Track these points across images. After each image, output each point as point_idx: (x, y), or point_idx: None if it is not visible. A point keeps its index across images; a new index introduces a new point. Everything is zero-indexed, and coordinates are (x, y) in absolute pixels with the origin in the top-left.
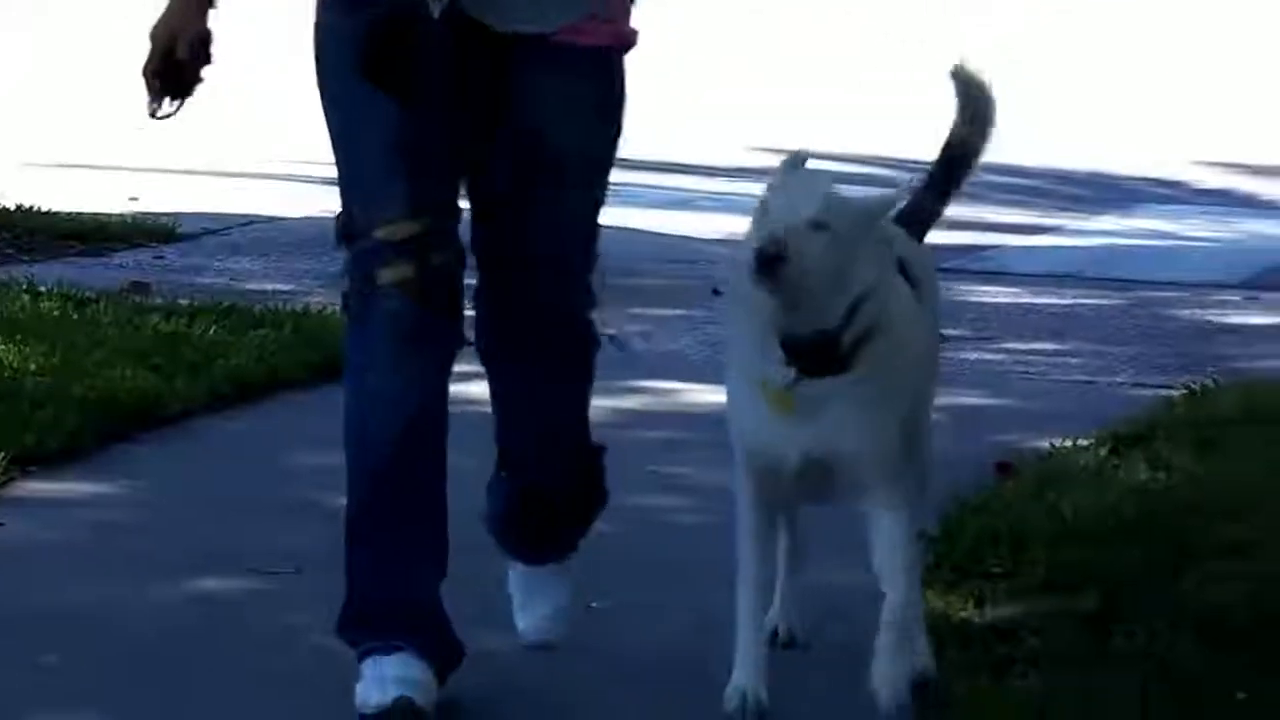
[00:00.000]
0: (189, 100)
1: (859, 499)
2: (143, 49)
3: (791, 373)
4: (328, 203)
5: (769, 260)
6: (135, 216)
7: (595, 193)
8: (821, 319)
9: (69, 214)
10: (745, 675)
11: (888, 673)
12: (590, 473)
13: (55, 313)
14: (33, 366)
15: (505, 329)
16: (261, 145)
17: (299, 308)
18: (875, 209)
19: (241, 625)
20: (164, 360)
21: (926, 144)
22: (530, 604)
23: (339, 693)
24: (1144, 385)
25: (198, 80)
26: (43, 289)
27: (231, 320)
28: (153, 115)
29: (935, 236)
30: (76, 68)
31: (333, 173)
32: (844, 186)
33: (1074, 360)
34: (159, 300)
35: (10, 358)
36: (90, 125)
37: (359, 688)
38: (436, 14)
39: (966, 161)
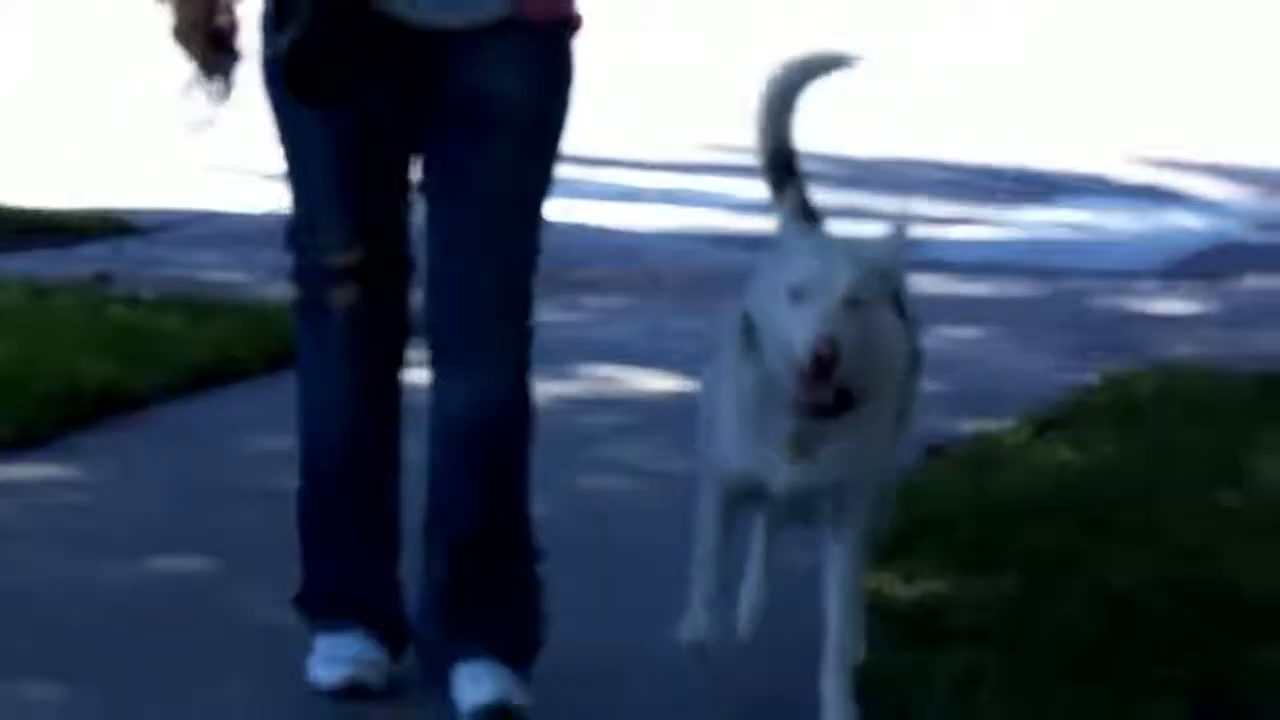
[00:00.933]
0: (232, 85)
1: (830, 522)
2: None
3: (794, 422)
4: (283, 198)
5: (825, 365)
6: (96, 210)
7: (545, 161)
8: (842, 382)
9: (31, 208)
10: (703, 613)
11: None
12: (521, 540)
13: (18, 304)
14: None
15: (454, 314)
16: (219, 141)
17: (255, 299)
18: (893, 259)
19: (196, 604)
20: (124, 349)
21: (870, 142)
22: (475, 682)
23: (290, 671)
24: (1066, 370)
25: (238, 52)
26: (5, 281)
27: (190, 310)
28: (208, 103)
29: (869, 229)
30: (45, 67)
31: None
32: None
33: (1000, 347)
34: (119, 291)
35: None
36: (52, 120)
37: (311, 661)
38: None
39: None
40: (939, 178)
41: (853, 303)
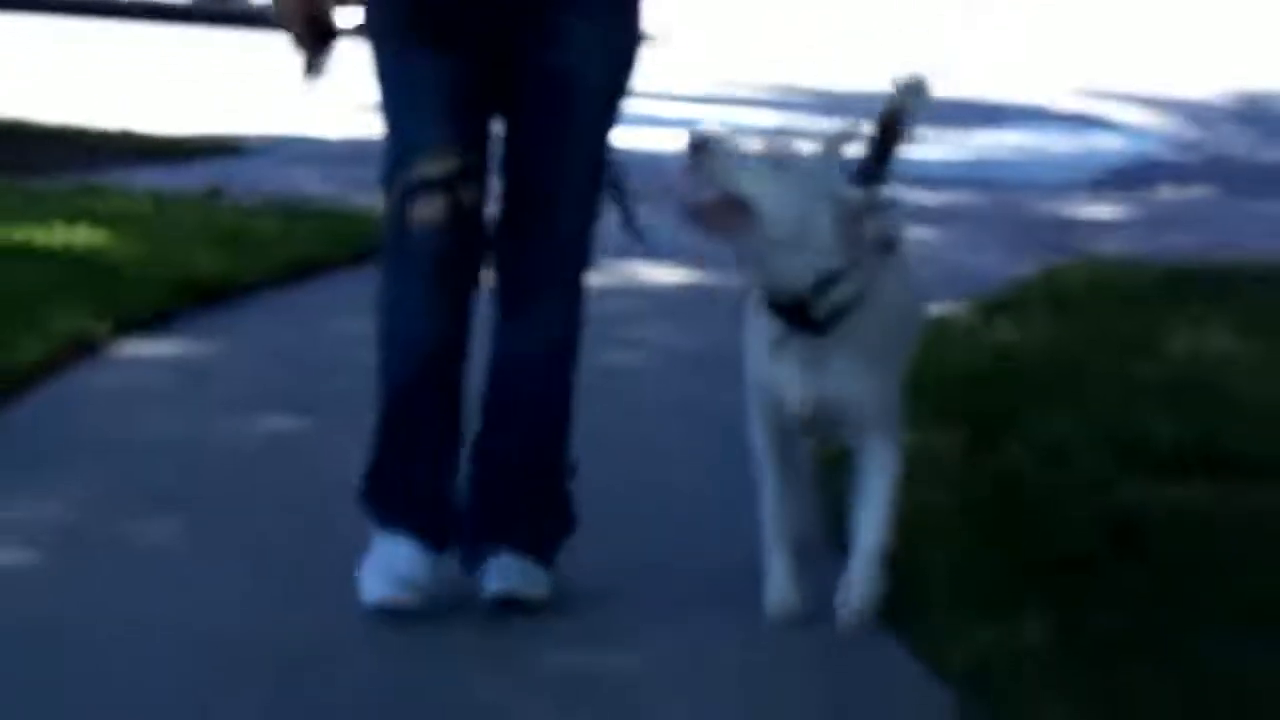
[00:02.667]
0: (332, 52)
1: (859, 439)
2: None
3: (779, 325)
4: (366, 125)
5: (695, 146)
6: (209, 135)
7: (611, 123)
8: (783, 278)
9: (155, 133)
10: (778, 587)
11: (860, 590)
12: (556, 455)
13: (145, 211)
14: (130, 252)
15: (520, 260)
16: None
17: (342, 206)
18: (818, 167)
19: (296, 451)
20: (232, 247)
21: (848, 78)
22: (499, 573)
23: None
24: (1009, 265)
25: (333, 40)
26: (134, 193)
27: (287, 216)
28: (312, 76)
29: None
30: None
31: (369, 101)
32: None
33: (954, 245)
34: (228, 201)
35: (112, 245)
36: (173, 56)
37: (364, 568)
38: None
39: (898, 130)
40: None
41: (780, 165)
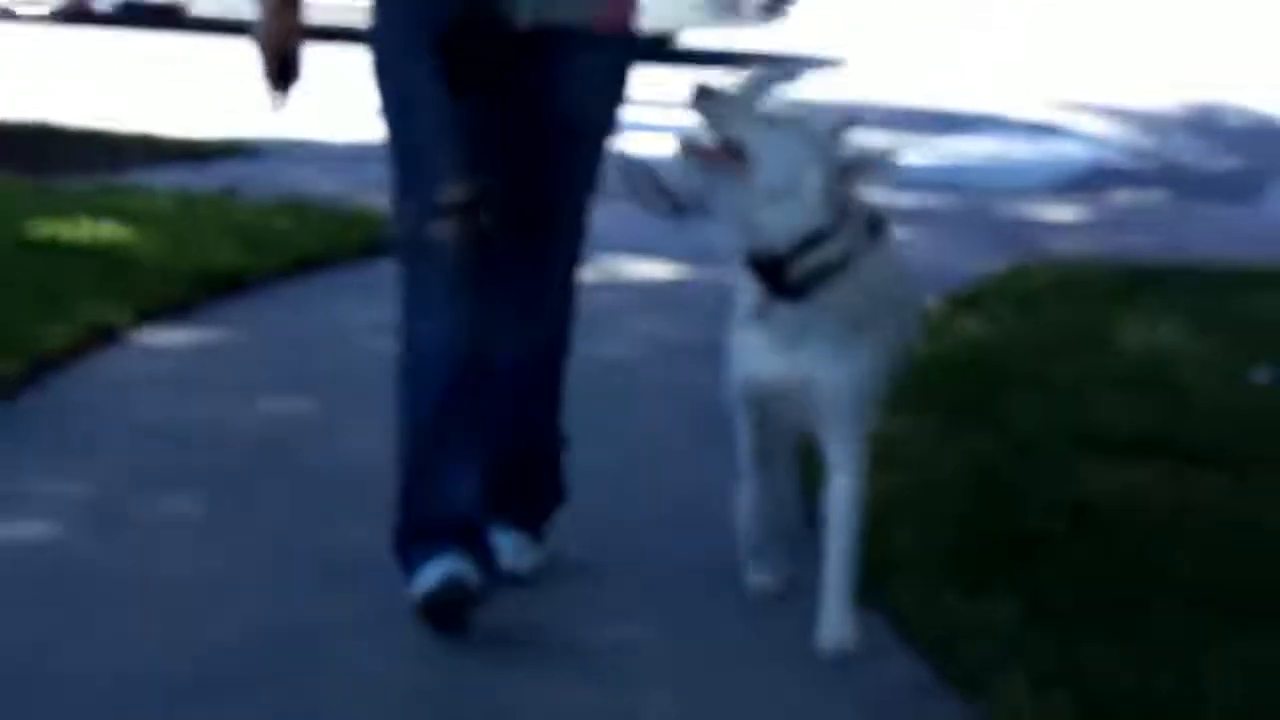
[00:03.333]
0: (299, 82)
1: (824, 433)
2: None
3: (758, 292)
4: (370, 130)
5: (700, 93)
6: (226, 139)
7: (611, 134)
8: (768, 232)
9: (176, 137)
10: (757, 567)
11: (834, 630)
12: (549, 439)
13: (167, 209)
14: (151, 247)
15: (523, 276)
16: (324, 84)
17: (349, 204)
18: (818, 129)
19: (307, 433)
20: (248, 242)
21: (826, 90)
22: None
23: (380, 481)
24: (977, 263)
25: (300, 68)
26: (156, 192)
27: (299, 213)
28: (275, 105)
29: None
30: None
31: (372, 108)
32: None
33: (926, 244)
34: (244, 199)
35: (135, 240)
36: (195, 65)
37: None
38: (521, 25)
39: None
40: (878, 116)
41: (781, 120)
